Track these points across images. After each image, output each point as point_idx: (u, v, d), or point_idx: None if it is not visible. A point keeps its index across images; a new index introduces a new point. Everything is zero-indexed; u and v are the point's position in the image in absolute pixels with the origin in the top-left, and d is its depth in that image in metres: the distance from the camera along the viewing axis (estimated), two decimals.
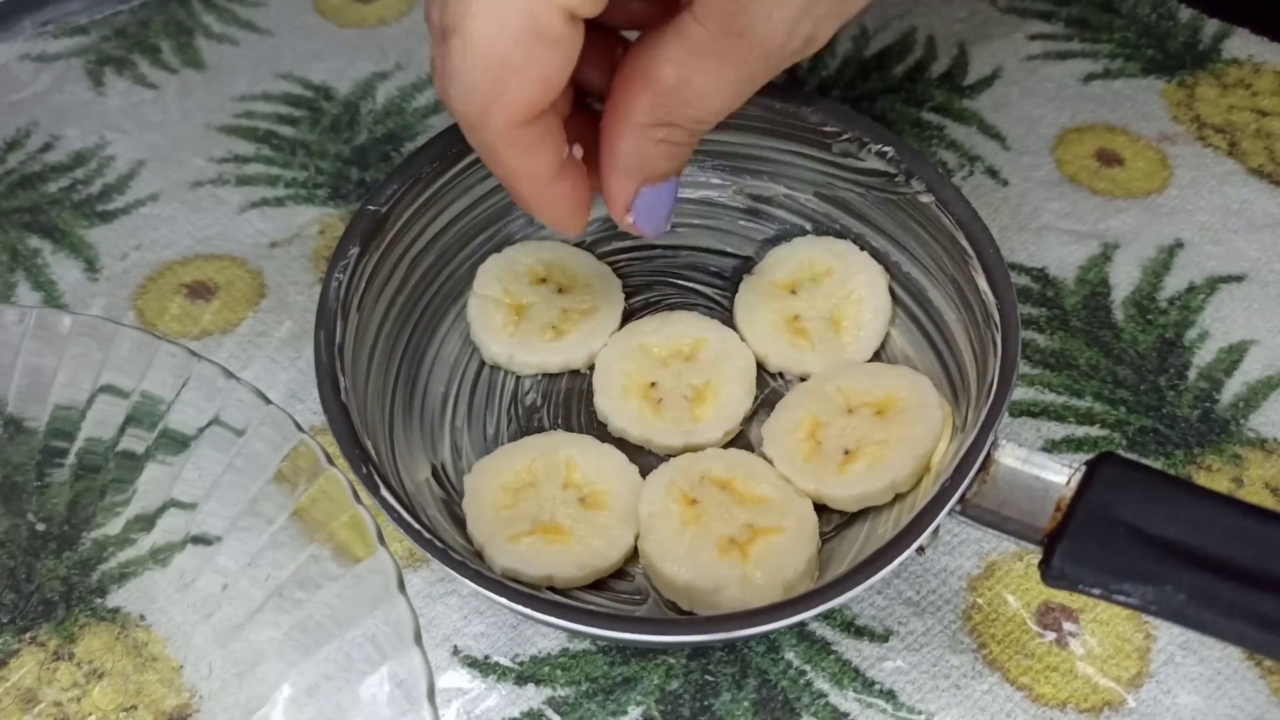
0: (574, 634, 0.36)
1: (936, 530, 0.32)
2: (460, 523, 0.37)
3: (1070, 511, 0.32)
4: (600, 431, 0.40)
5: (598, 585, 0.37)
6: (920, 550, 0.32)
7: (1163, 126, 0.51)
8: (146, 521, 0.37)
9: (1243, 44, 0.54)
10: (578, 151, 0.33)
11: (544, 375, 0.42)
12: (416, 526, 0.33)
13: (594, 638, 0.36)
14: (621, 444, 0.39)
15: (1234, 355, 0.43)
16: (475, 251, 0.43)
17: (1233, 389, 0.42)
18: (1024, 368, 0.43)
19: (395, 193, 0.39)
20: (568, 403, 0.41)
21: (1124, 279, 0.46)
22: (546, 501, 0.37)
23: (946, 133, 0.51)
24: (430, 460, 0.39)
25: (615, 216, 0.35)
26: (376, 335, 0.40)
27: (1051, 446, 0.41)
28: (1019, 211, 0.48)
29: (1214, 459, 0.41)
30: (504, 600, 0.32)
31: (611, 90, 0.33)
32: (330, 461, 0.35)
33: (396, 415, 0.39)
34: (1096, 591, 0.30)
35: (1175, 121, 0.51)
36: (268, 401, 0.36)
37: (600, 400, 0.40)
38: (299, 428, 0.35)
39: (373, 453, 0.35)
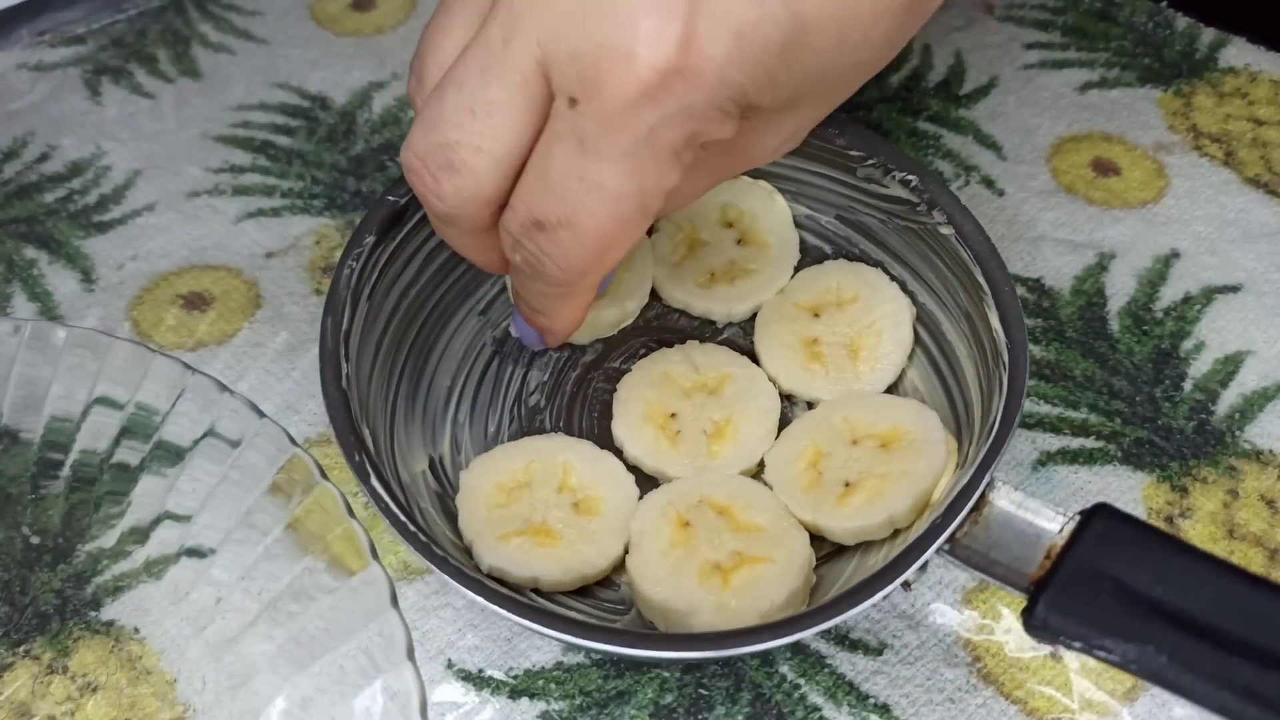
0: (531, 632, 0.36)
1: (924, 566, 0.32)
2: (453, 517, 0.38)
3: (1059, 561, 0.31)
4: (601, 438, 0.40)
5: (582, 592, 0.37)
6: (906, 586, 0.32)
7: (1159, 136, 0.51)
8: (141, 534, 0.37)
9: (1239, 53, 0.54)
10: None
11: (551, 376, 0.42)
12: (402, 519, 0.33)
13: (556, 639, 0.35)
14: (635, 473, 0.39)
15: (1230, 366, 0.43)
16: None
17: (1228, 400, 0.42)
18: None
19: None
20: (570, 406, 0.42)
21: (1120, 289, 0.46)
22: (540, 504, 0.37)
23: (943, 142, 0.51)
24: (429, 453, 0.39)
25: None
26: (386, 325, 0.40)
27: (1047, 458, 0.41)
28: (1015, 221, 0.48)
29: (1209, 471, 0.40)
30: (479, 598, 0.32)
31: None
32: (324, 475, 0.35)
33: (399, 406, 0.40)
34: (1078, 645, 0.30)
35: (1171, 131, 0.51)
36: (262, 415, 0.36)
37: (618, 426, 0.40)
38: (292, 441, 0.35)
39: (369, 441, 0.35)
